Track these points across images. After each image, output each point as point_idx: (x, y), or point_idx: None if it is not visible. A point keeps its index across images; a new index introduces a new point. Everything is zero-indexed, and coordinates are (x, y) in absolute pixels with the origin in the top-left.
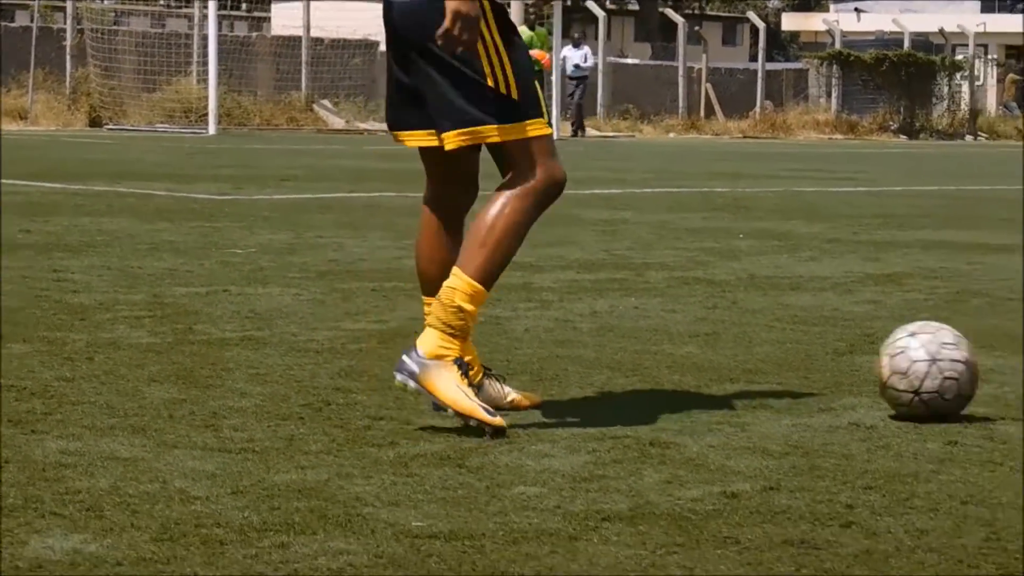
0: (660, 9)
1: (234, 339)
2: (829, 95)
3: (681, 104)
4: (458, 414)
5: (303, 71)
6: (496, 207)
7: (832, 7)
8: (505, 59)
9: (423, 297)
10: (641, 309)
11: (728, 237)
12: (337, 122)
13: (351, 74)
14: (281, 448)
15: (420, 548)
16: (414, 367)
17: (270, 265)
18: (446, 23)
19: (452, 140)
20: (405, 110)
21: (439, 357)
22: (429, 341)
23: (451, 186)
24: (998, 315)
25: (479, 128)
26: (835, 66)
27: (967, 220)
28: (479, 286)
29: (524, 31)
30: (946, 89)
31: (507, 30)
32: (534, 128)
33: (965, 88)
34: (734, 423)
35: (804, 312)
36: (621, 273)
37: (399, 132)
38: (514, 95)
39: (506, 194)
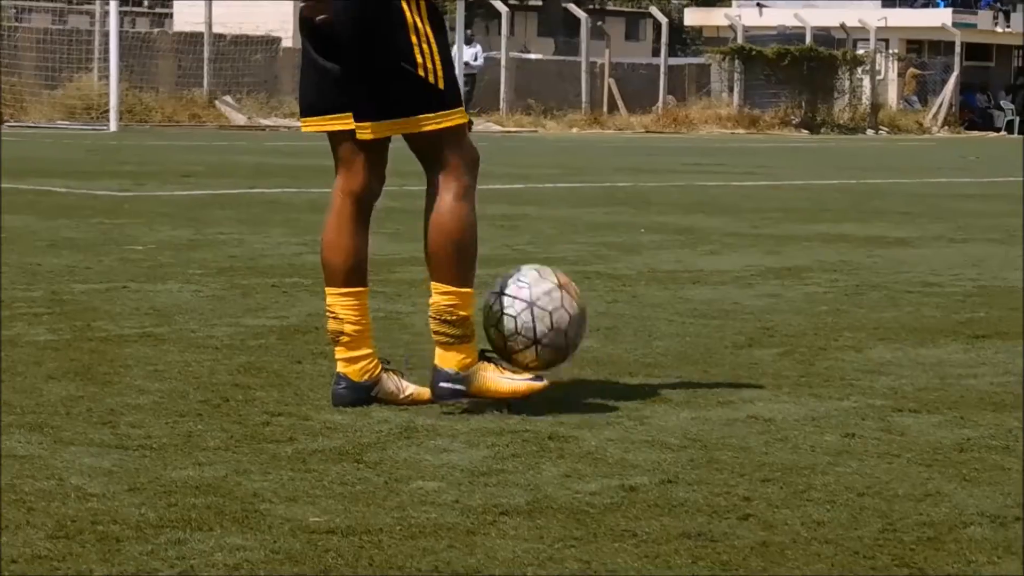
0: (563, 4)
1: (133, 335)
2: (731, 90)
3: (584, 99)
4: (523, 399)
5: (205, 67)
6: (451, 216)
7: (734, 3)
8: (435, 48)
9: (326, 288)
10: None
11: (630, 231)
12: (239, 118)
13: (253, 70)
14: (179, 444)
15: (317, 543)
16: (460, 387)
17: (170, 261)
18: None
19: (381, 129)
20: (324, 94)
21: (468, 366)
22: (452, 359)
23: (367, 174)
24: (897, 307)
25: (409, 119)
26: (737, 61)
27: (867, 213)
28: (467, 289)
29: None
30: (847, 83)
31: (435, 16)
32: (456, 117)
33: (866, 82)
34: (633, 416)
35: (704, 306)
36: None
37: (317, 116)
38: (440, 85)
39: (449, 200)
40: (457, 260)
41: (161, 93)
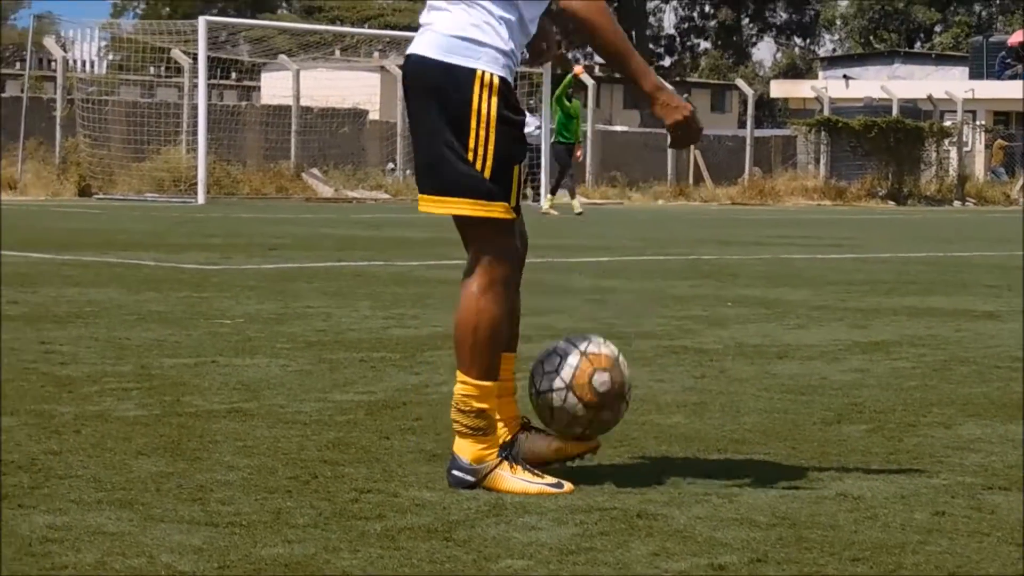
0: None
1: (222, 411)
2: (817, 161)
3: (670, 171)
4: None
5: (292, 140)
6: (471, 307)
7: (821, 74)
8: (491, 136)
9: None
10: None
11: (715, 304)
12: (326, 190)
13: (340, 142)
14: (268, 521)
15: None
16: (468, 478)
17: (258, 335)
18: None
19: (426, 202)
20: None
21: (483, 459)
22: (467, 449)
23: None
24: (985, 383)
25: (446, 199)
26: (823, 132)
27: (954, 286)
28: (486, 383)
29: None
30: (934, 155)
31: (509, 108)
32: (496, 210)
33: (953, 154)
34: (721, 494)
35: (791, 380)
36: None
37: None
38: (486, 174)
39: (473, 290)
40: (472, 352)
41: (248, 166)
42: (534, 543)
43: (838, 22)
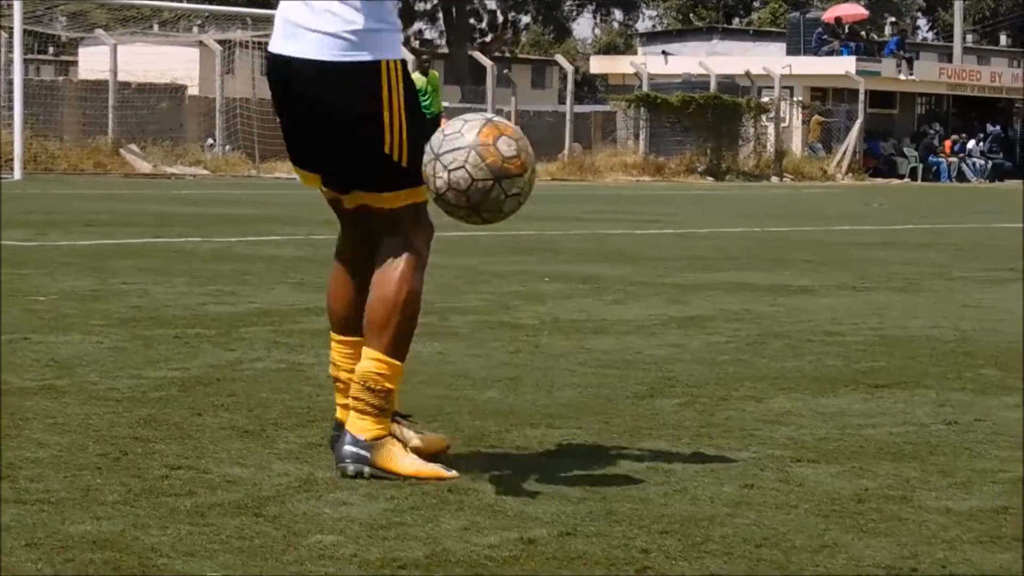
0: (469, 52)
1: (33, 388)
2: (637, 137)
3: None
4: (420, 480)
5: (110, 115)
6: (398, 288)
7: (640, 50)
8: (404, 125)
9: (332, 334)
10: (444, 354)
11: (534, 280)
12: (144, 166)
13: (158, 118)
14: (77, 499)
15: None
16: (364, 453)
17: (72, 312)
18: None
19: (349, 199)
20: (304, 151)
21: (380, 437)
22: (366, 426)
23: (350, 237)
24: (799, 356)
25: (371, 193)
26: (642, 108)
27: (770, 262)
28: (397, 362)
29: (419, 78)
30: (752, 131)
31: (411, 92)
32: (414, 195)
33: (771, 130)
34: (533, 468)
35: (606, 355)
36: (426, 318)
37: (303, 170)
38: (404, 163)
39: (402, 271)
40: (396, 332)
41: (66, 141)
42: (344, 518)
43: None
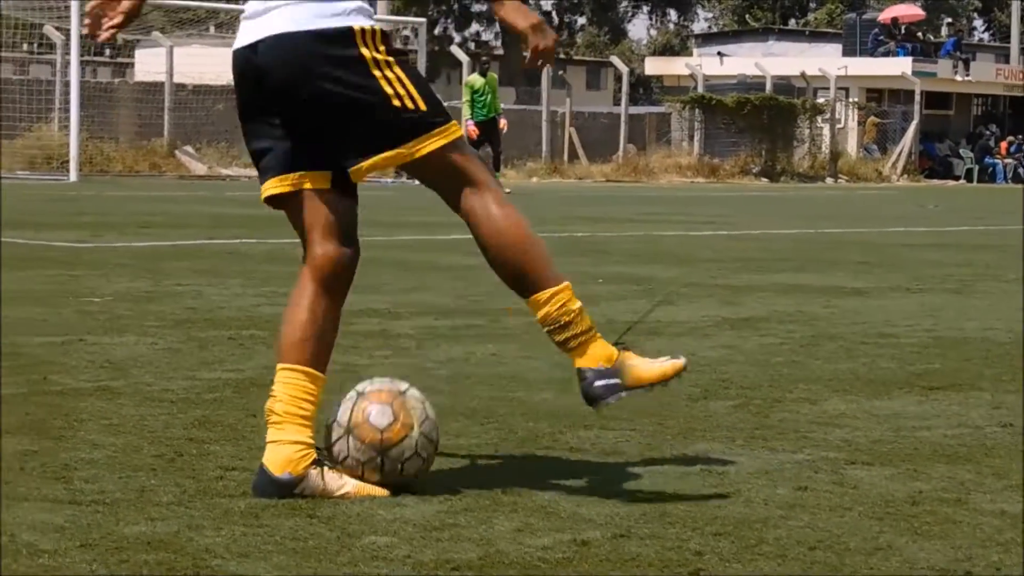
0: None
1: (88, 389)
2: (691, 138)
3: (544, 148)
4: (668, 381)
5: (166, 117)
6: (503, 227)
7: (696, 52)
8: (400, 73)
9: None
10: (498, 356)
11: (586, 281)
12: (199, 168)
13: (214, 119)
14: (132, 500)
15: None
16: (614, 380)
17: (127, 313)
18: (532, 42)
19: (376, 164)
20: (303, 151)
21: (612, 357)
22: (592, 356)
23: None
24: (853, 358)
25: (394, 151)
26: (697, 110)
27: (824, 263)
28: (564, 283)
29: (477, 79)
30: (807, 132)
31: (395, 53)
32: (451, 130)
33: (826, 131)
34: (587, 470)
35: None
36: (478, 319)
37: (274, 179)
38: (423, 107)
39: (491, 209)
40: (541, 262)
41: (121, 143)
42: (398, 519)
43: None
